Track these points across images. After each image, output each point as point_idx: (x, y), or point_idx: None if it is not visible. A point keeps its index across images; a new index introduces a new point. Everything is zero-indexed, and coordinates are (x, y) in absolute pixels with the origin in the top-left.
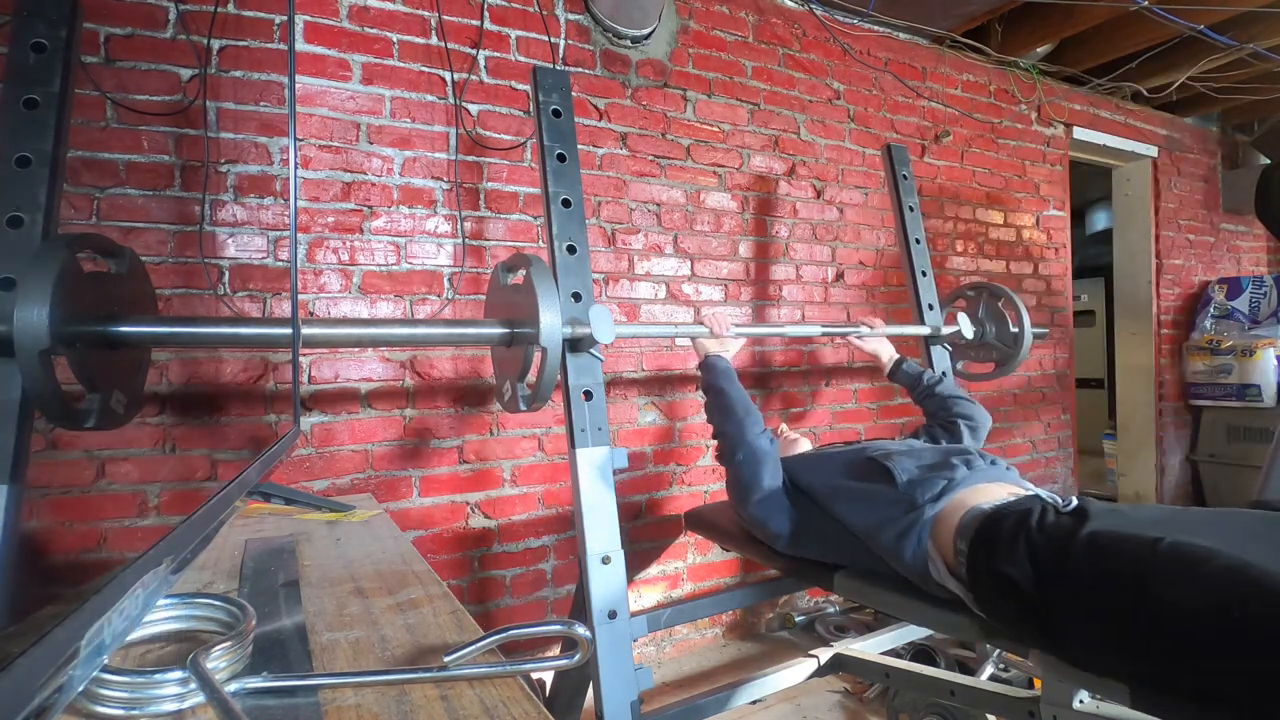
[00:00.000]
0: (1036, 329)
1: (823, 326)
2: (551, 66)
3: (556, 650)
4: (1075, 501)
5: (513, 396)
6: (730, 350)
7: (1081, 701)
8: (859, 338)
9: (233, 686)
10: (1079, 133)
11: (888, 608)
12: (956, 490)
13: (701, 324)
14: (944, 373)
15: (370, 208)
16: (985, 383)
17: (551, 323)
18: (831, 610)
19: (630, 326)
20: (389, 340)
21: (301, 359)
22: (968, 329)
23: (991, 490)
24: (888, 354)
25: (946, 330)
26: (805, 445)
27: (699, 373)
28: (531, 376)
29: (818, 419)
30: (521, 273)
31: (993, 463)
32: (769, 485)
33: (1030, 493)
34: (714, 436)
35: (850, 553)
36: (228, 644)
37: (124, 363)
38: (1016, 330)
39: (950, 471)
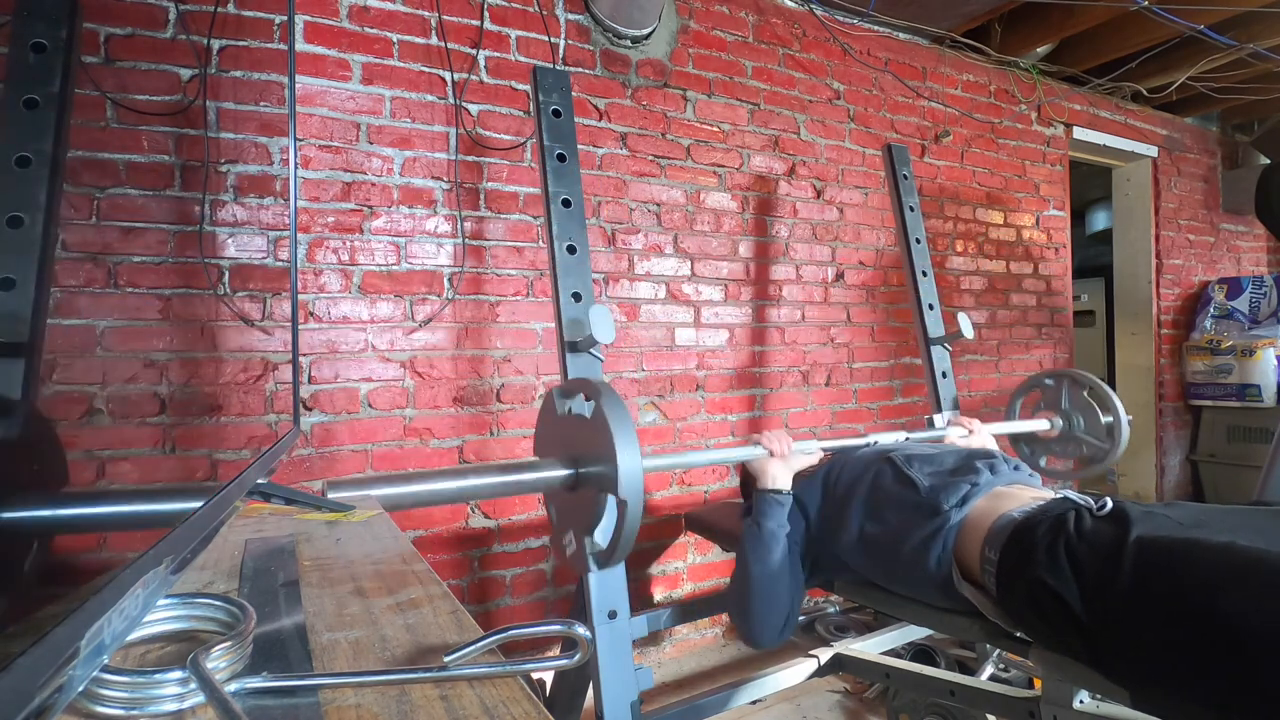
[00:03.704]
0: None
1: (907, 433)
2: (551, 66)
3: (556, 650)
4: (1109, 504)
5: (579, 553)
6: (793, 469)
7: (1081, 702)
8: (969, 433)
9: (233, 686)
10: (1079, 133)
11: (888, 608)
12: (981, 494)
13: (760, 444)
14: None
15: (370, 208)
16: (985, 381)
17: (631, 465)
18: (831, 610)
19: (667, 458)
20: (441, 498)
21: (301, 359)
22: (967, 329)
23: (1016, 494)
24: (995, 450)
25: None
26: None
27: (748, 496)
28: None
29: (818, 419)
30: (589, 404)
31: (1016, 467)
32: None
33: (1058, 495)
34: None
35: (864, 572)
36: (228, 644)
37: None
38: (1110, 420)
39: (975, 475)
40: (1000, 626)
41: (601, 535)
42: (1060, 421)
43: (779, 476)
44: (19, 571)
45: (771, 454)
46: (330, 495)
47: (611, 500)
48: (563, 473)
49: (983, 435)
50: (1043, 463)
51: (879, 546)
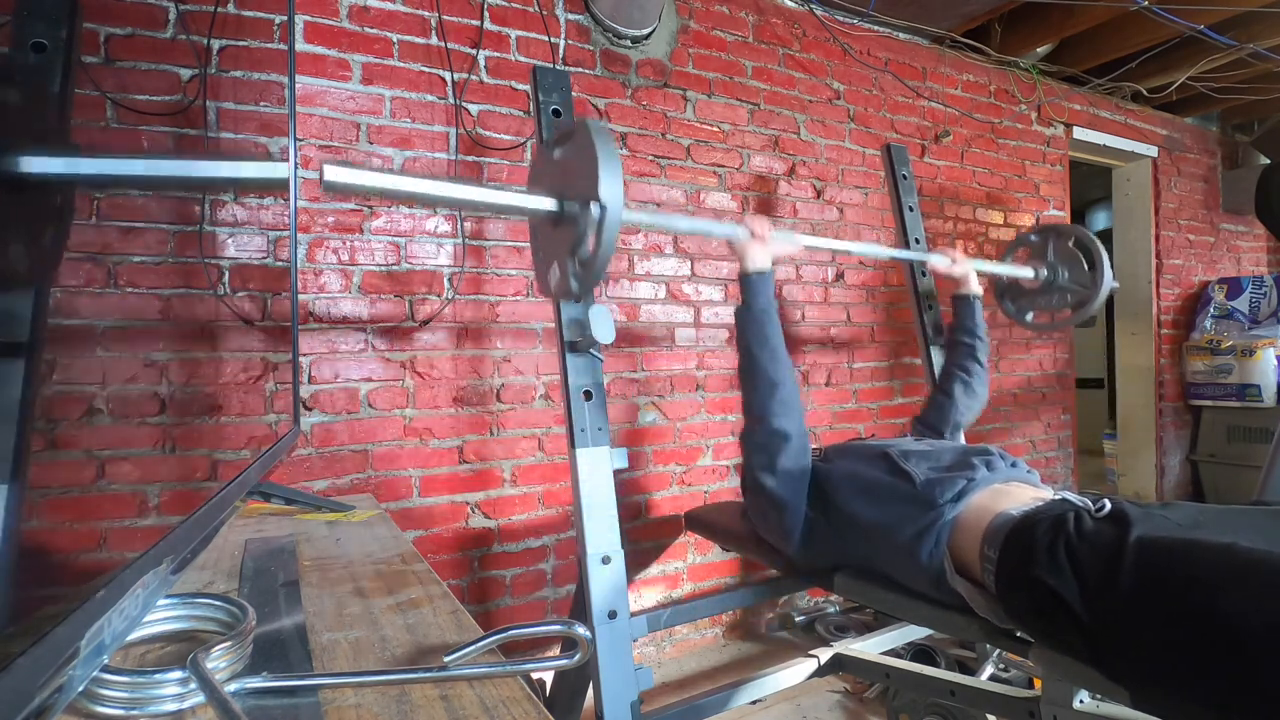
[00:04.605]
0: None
1: (892, 250)
2: (551, 66)
3: (556, 650)
4: (1109, 505)
5: (562, 279)
6: (773, 256)
7: (1081, 701)
8: (951, 262)
9: (233, 686)
10: (1079, 133)
11: (888, 608)
12: (976, 490)
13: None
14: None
15: (370, 207)
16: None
17: (613, 184)
18: (831, 610)
19: (643, 215)
20: (430, 199)
21: (301, 359)
22: (975, 286)
23: (1015, 492)
24: (975, 284)
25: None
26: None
27: (740, 290)
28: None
29: (818, 419)
30: (574, 140)
31: (1013, 464)
32: (785, 472)
33: (1056, 495)
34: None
35: (860, 555)
36: (228, 644)
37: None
38: (1092, 269)
39: (970, 471)
40: (997, 625)
41: (584, 251)
42: (1045, 272)
43: (758, 257)
44: (46, 230)
45: (753, 234)
46: (327, 177)
47: (593, 214)
48: (549, 204)
49: (965, 266)
50: (1029, 317)
51: (873, 535)
